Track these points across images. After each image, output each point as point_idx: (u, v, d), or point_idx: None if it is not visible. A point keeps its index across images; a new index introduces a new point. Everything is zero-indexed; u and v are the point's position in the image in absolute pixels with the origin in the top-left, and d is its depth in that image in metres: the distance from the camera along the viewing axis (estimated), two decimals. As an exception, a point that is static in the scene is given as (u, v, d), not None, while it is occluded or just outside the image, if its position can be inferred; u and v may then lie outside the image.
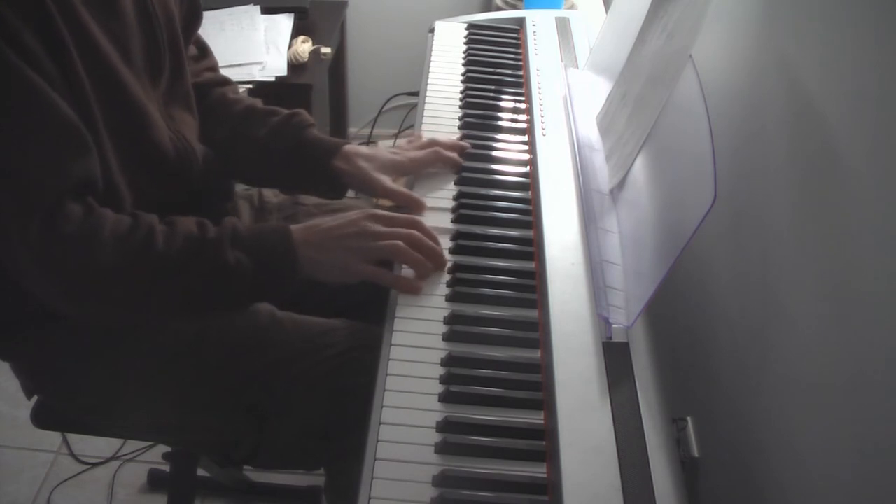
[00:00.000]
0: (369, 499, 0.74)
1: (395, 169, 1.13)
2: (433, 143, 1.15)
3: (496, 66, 1.37)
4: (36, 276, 0.90)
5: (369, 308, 1.01)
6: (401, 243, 0.95)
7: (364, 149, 1.14)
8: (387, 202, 1.12)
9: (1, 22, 0.83)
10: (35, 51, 0.85)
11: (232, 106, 1.19)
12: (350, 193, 1.18)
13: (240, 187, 1.29)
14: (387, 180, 1.11)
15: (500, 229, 1.03)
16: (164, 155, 1.03)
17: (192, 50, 1.20)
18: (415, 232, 0.97)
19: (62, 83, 0.88)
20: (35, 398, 1.17)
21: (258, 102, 1.20)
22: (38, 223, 0.86)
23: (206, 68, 1.23)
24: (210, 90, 1.20)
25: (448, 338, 0.89)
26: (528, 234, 1.03)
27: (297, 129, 1.14)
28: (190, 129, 1.10)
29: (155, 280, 0.92)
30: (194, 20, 1.17)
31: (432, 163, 1.14)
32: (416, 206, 1.07)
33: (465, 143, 1.17)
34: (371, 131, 2.38)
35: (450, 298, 0.94)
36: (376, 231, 0.96)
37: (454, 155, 1.14)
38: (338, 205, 1.32)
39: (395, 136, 2.22)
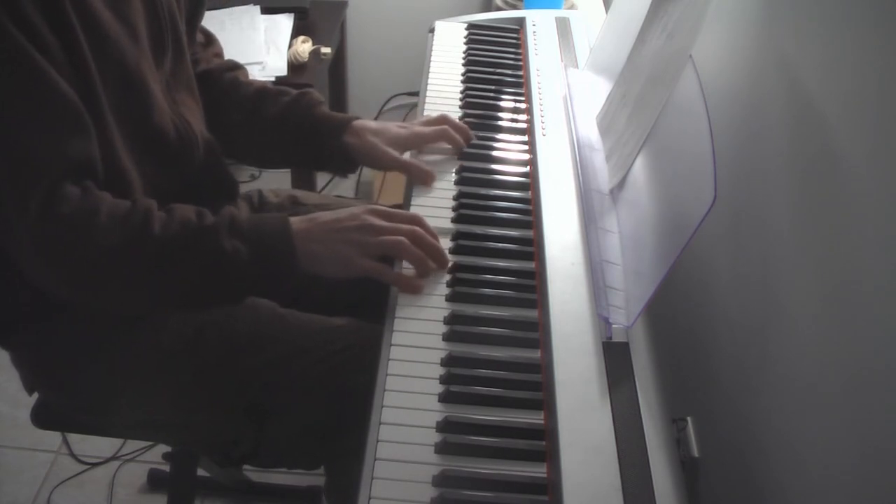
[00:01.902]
0: (369, 499, 0.74)
1: (403, 143, 1.15)
2: (444, 119, 1.17)
3: (496, 66, 1.37)
4: (33, 258, 0.90)
5: (369, 306, 1.01)
6: (404, 239, 0.95)
7: (372, 123, 1.17)
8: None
9: None
10: (39, 28, 0.85)
11: (244, 88, 1.21)
12: (350, 193, 1.19)
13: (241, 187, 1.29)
14: (396, 153, 1.13)
15: (500, 229, 1.03)
16: (165, 137, 1.02)
17: (199, 37, 1.22)
18: (417, 229, 0.97)
19: (65, 61, 0.88)
20: (35, 395, 1.17)
21: (268, 84, 1.23)
22: (35, 204, 0.86)
23: (214, 54, 1.25)
24: (221, 75, 1.22)
25: (448, 338, 0.89)
26: (528, 234, 1.03)
27: (308, 108, 1.17)
28: (192, 114, 1.10)
29: (150, 265, 0.91)
30: (199, 7, 1.18)
31: (439, 139, 1.16)
32: (427, 178, 1.10)
33: (471, 134, 1.19)
34: (371, 131, 2.39)
35: (450, 298, 0.94)
36: (378, 225, 0.95)
37: (459, 137, 1.16)
38: (339, 204, 1.32)
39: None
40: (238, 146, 1.22)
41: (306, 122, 1.17)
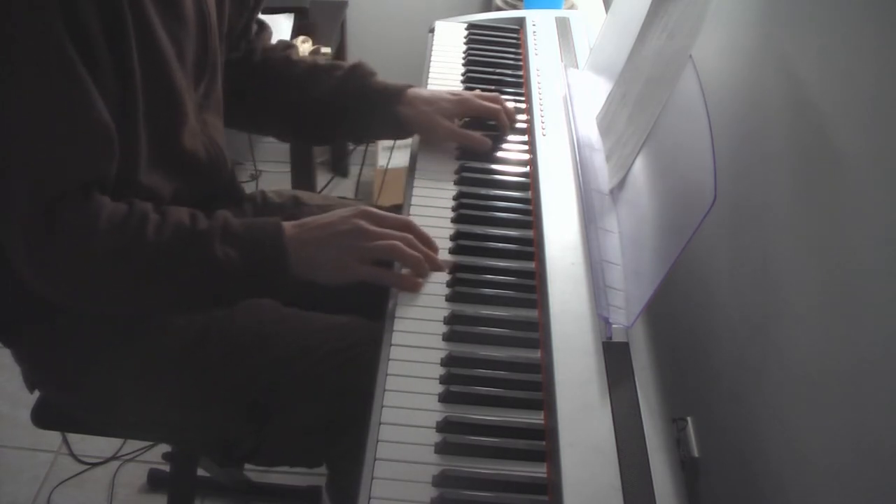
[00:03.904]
0: (369, 499, 0.74)
1: (453, 112, 1.19)
2: (498, 100, 1.22)
3: (496, 66, 1.37)
4: (31, 265, 0.90)
5: (372, 304, 1.01)
6: (399, 243, 0.95)
7: (425, 92, 1.20)
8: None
9: (69, 4, 0.83)
10: (95, 41, 0.85)
11: (297, 66, 1.24)
12: (350, 193, 1.19)
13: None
14: (448, 123, 1.17)
15: (500, 229, 1.03)
16: (195, 158, 1.04)
17: (254, 26, 1.25)
18: (409, 235, 0.97)
19: (113, 74, 0.89)
20: (36, 393, 1.17)
21: (319, 60, 1.27)
22: (38, 213, 0.86)
23: (265, 40, 1.29)
24: (276, 55, 1.25)
25: (448, 338, 0.89)
26: (528, 234, 1.03)
27: (362, 80, 1.21)
28: (220, 136, 1.11)
29: (143, 270, 0.91)
30: (259, 2, 1.23)
31: (489, 116, 1.20)
32: (481, 145, 1.16)
33: (517, 118, 1.23)
34: (371, 131, 2.39)
35: (450, 298, 0.94)
36: (370, 230, 0.95)
37: (506, 121, 1.21)
38: (340, 205, 1.32)
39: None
40: (293, 126, 1.25)
41: (361, 95, 1.19)
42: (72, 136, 0.87)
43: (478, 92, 1.23)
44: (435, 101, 1.18)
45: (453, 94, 1.20)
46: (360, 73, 1.21)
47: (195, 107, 1.04)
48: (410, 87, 1.19)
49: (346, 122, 1.22)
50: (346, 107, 1.20)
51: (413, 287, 0.94)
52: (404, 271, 0.96)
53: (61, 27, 0.83)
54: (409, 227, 0.98)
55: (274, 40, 1.29)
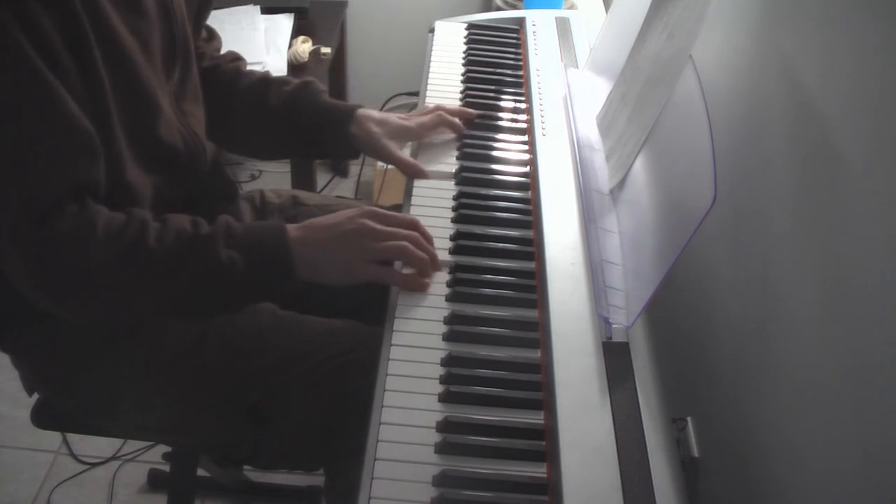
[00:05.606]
0: (369, 499, 0.74)
1: (405, 134, 1.18)
2: (437, 108, 1.21)
3: (496, 66, 1.37)
4: (23, 273, 0.89)
5: (370, 309, 1.01)
6: (407, 244, 0.95)
7: (376, 113, 1.19)
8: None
9: (24, 13, 0.82)
10: (56, 47, 0.85)
11: (246, 78, 1.23)
12: (350, 193, 1.19)
13: (241, 188, 1.29)
14: (395, 147, 1.16)
15: (500, 229, 1.03)
16: (173, 149, 1.03)
17: (203, 33, 1.23)
18: (415, 233, 0.97)
19: (79, 77, 0.88)
20: (35, 396, 1.17)
21: (269, 74, 1.25)
22: (31, 221, 0.86)
23: (215, 48, 1.27)
24: (225, 66, 1.24)
25: (448, 338, 0.89)
26: (528, 234, 1.03)
27: (312, 97, 1.19)
28: (200, 125, 1.10)
29: (145, 277, 0.90)
30: (207, 5, 1.20)
31: (437, 126, 1.19)
32: (420, 175, 1.13)
33: (471, 111, 1.22)
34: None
35: (450, 298, 0.94)
36: (377, 229, 0.95)
37: (457, 120, 1.20)
38: (340, 205, 1.32)
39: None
40: (241, 138, 1.24)
41: (311, 112, 1.18)
42: (51, 141, 0.86)
43: (420, 109, 1.23)
44: (385, 123, 1.17)
45: (401, 117, 1.20)
46: (310, 90, 1.20)
47: (170, 97, 1.03)
48: (360, 107, 1.18)
49: (293, 136, 1.20)
50: (295, 120, 1.19)
51: (421, 287, 0.94)
52: (406, 270, 0.96)
53: (19, 34, 0.82)
54: (417, 226, 0.98)
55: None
